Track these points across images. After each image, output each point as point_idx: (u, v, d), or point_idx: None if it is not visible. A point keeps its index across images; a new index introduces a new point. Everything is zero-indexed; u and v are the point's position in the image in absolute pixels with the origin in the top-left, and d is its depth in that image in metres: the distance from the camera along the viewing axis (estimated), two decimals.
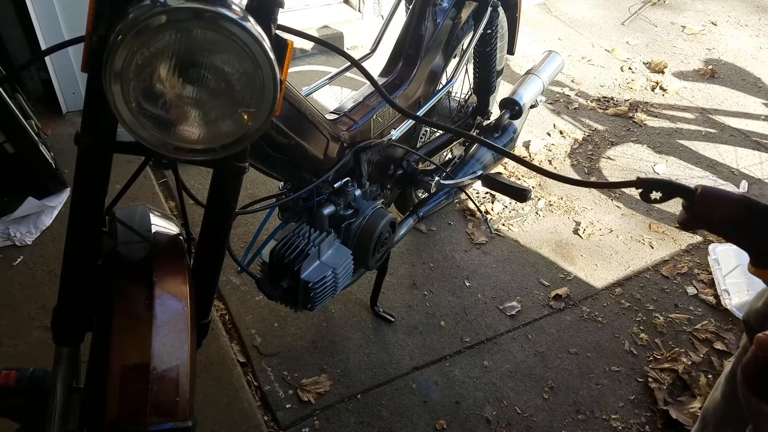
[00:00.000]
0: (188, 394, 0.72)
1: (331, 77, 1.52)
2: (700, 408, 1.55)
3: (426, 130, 1.84)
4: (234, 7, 0.67)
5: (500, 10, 1.70)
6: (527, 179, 2.27)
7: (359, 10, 3.12)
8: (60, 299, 0.86)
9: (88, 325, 0.89)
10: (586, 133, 2.54)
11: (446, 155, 1.98)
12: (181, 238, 0.92)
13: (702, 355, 1.71)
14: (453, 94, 1.92)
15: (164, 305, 0.76)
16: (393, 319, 1.73)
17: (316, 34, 2.97)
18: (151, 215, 0.92)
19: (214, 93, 0.70)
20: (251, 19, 0.68)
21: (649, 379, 1.63)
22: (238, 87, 0.69)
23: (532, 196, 2.17)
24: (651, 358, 1.69)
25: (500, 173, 2.25)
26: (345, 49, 3.03)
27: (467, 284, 1.87)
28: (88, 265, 0.85)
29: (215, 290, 0.96)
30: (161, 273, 0.80)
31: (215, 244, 0.90)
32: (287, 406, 1.49)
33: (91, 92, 0.73)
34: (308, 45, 2.96)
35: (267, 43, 0.67)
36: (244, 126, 0.71)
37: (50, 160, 1.93)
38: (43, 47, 2.17)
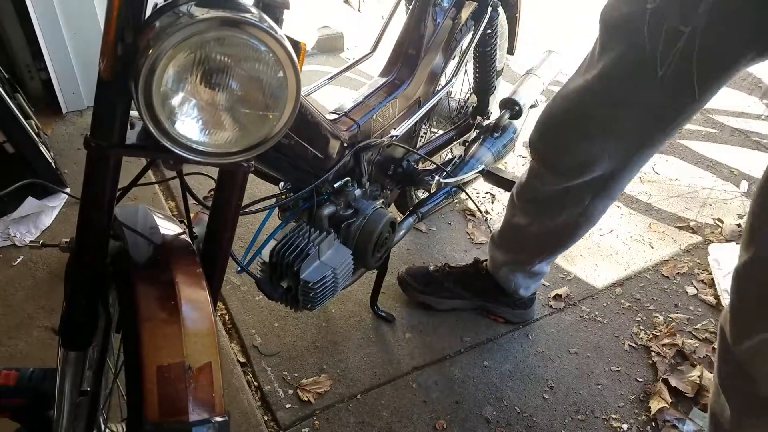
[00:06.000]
0: (222, 390, 0.75)
1: (331, 77, 1.52)
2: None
3: (426, 130, 1.84)
4: (258, 14, 0.68)
5: (500, 10, 1.70)
6: None
7: (359, 10, 3.12)
8: (68, 304, 0.86)
9: (96, 329, 0.89)
10: None
11: (446, 155, 1.98)
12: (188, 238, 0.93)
13: (702, 356, 1.71)
14: (453, 94, 1.92)
15: (189, 305, 0.78)
16: (393, 319, 1.73)
17: (316, 34, 2.97)
18: (155, 216, 0.92)
19: (242, 99, 0.72)
20: (275, 25, 0.69)
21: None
22: (265, 92, 0.71)
23: None
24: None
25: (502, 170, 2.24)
26: (345, 49, 3.04)
27: None
28: (97, 269, 0.85)
29: (219, 290, 0.96)
30: (180, 274, 0.81)
31: (220, 244, 0.91)
32: (287, 406, 1.49)
33: (103, 96, 0.73)
34: (308, 45, 2.96)
35: (290, 48, 0.68)
36: (269, 128, 0.74)
37: (50, 160, 1.93)
38: (43, 47, 2.17)
